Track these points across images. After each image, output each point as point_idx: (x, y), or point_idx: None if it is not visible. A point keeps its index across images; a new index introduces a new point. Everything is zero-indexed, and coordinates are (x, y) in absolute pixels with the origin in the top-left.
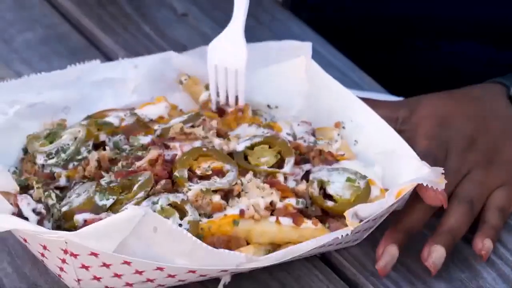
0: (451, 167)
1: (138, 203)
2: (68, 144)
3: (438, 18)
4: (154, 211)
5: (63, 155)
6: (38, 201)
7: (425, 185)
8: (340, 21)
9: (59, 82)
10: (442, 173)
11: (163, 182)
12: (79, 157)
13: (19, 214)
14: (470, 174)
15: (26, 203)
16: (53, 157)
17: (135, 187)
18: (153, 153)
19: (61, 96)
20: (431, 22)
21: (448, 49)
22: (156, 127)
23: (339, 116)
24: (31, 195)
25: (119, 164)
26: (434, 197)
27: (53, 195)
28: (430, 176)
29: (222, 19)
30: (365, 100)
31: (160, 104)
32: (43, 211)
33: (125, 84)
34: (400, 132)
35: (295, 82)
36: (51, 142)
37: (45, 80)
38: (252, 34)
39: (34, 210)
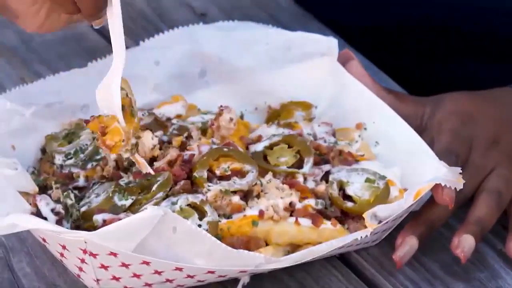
0: (474, 163)
1: (157, 203)
2: (87, 144)
3: (450, 33)
4: (173, 212)
5: (81, 155)
6: (57, 201)
7: (443, 185)
8: (356, 22)
9: (79, 80)
10: (460, 173)
11: (182, 182)
12: (98, 157)
13: (38, 214)
14: (496, 171)
15: (44, 203)
16: (71, 157)
17: (154, 187)
18: (172, 154)
19: (80, 95)
20: (444, 32)
21: (456, 68)
22: (174, 121)
23: (361, 117)
24: (49, 195)
25: (136, 167)
26: (441, 197)
27: (71, 195)
28: (448, 176)
29: (240, 19)
30: (391, 92)
31: (178, 103)
32: (62, 211)
33: (145, 82)
34: (424, 128)
35: (320, 82)
36: (69, 142)
37: (63, 79)
38: None
39: (52, 210)
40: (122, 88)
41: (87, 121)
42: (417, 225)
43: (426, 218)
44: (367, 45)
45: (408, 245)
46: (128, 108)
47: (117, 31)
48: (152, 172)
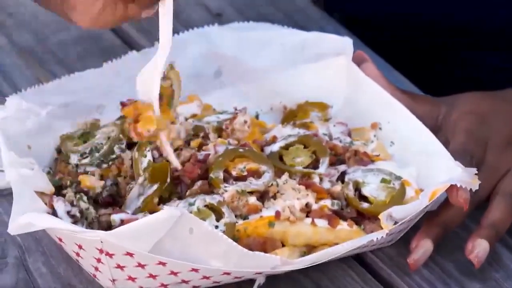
0: (490, 163)
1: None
2: (102, 143)
3: (464, 27)
4: (191, 213)
5: (96, 155)
6: (71, 204)
7: (458, 185)
8: (373, 22)
9: (94, 80)
10: (476, 174)
11: (199, 183)
12: (113, 156)
13: (53, 215)
14: (511, 172)
15: (61, 205)
16: (86, 157)
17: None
18: (185, 155)
19: (95, 95)
20: (458, 31)
21: (471, 60)
22: (189, 121)
23: (376, 117)
24: (64, 195)
25: None
26: (456, 199)
27: (84, 198)
28: (464, 177)
29: (256, 19)
30: (406, 93)
31: (193, 103)
32: (78, 214)
33: None
34: (439, 128)
35: (335, 82)
36: (84, 142)
37: (79, 79)
38: None
39: (68, 213)
40: (168, 78)
41: (123, 104)
42: (432, 227)
43: (441, 220)
44: (381, 43)
45: (423, 248)
46: (166, 98)
47: (166, 21)
48: (179, 166)
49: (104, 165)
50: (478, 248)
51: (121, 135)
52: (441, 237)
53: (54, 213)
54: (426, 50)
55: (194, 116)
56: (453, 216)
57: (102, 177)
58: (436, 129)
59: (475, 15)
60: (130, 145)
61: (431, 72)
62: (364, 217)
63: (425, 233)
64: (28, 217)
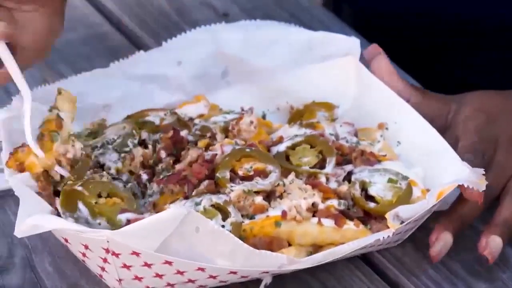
0: (500, 162)
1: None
2: (114, 138)
3: (464, 27)
4: (197, 212)
5: (110, 147)
6: None
7: (465, 186)
8: (373, 22)
9: (101, 80)
10: (483, 174)
11: (206, 182)
12: (126, 149)
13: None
14: None
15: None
16: (99, 149)
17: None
18: (192, 155)
19: (102, 95)
20: (458, 31)
21: (471, 60)
22: (196, 121)
23: (383, 117)
24: None
25: (159, 166)
26: (470, 194)
27: None
28: (471, 177)
29: (262, 19)
30: (417, 89)
31: (200, 103)
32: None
33: (167, 82)
34: (449, 126)
35: (342, 82)
36: (93, 139)
37: (86, 79)
38: None
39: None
40: (54, 107)
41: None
42: (450, 222)
43: (458, 214)
44: (381, 43)
45: (443, 241)
46: (48, 136)
47: (13, 71)
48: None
49: (117, 157)
50: (492, 243)
51: (134, 131)
52: (459, 231)
53: (58, 214)
54: (426, 50)
55: (201, 116)
56: (469, 210)
57: (117, 172)
58: (445, 127)
59: (475, 15)
60: (141, 143)
61: (431, 72)
62: (370, 217)
63: (444, 227)
64: (34, 219)
